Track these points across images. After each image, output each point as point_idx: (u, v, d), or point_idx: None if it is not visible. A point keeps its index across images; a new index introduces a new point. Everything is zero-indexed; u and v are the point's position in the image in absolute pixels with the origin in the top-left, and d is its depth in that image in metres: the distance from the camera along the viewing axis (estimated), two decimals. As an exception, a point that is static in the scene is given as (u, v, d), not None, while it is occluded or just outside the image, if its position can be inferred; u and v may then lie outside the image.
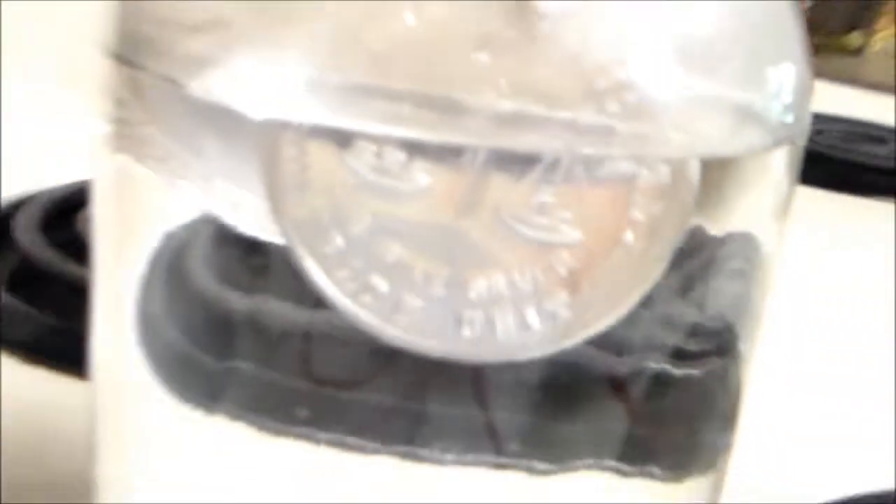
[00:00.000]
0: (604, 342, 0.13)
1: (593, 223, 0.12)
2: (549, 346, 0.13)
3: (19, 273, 0.34)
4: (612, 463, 0.14)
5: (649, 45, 0.13)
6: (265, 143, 0.12)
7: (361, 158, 0.12)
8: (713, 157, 0.13)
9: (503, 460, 0.14)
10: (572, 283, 0.12)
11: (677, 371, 0.14)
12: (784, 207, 0.15)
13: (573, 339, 0.13)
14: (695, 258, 0.13)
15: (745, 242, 0.14)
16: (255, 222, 0.14)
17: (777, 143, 0.14)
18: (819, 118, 0.69)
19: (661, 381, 0.14)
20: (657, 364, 0.14)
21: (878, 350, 0.39)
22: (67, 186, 0.38)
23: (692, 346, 0.14)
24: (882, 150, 0.65)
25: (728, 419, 0.16)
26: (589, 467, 0.14)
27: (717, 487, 0.16)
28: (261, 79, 0.13)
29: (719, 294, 0.14)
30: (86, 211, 0.35)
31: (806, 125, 0.14)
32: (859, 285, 0.46)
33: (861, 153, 0.63)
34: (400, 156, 0.12)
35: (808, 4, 0.91)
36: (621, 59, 0.12)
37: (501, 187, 0.12)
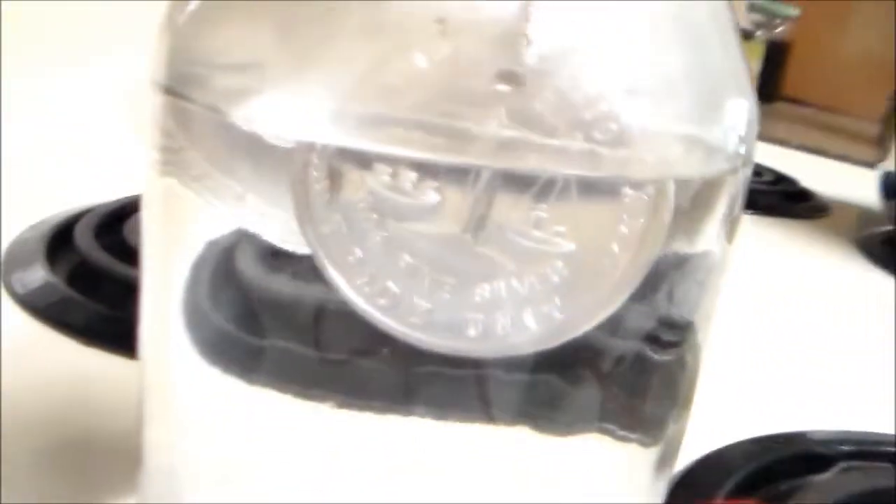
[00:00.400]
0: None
1: (584, 236, 0.11)
2: (542, 344, 0.12)
3: (78, 271, 0.33)
4: (604, 426, 0.13)
5: (628, 83, 0.12)
6: (294, 166, 0.11)
7: (378, 179, 0.11)
8: (686, 178, 0.12)
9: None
10: (564, 288, 0.11)
11: (655, 356, 0.13)
12: (736, 224, 0.14)
13: (564, 338, 0.12)
14: (667, 270, 0.12)
15: (705, 258, 0.13)
16: (282, 234, 0.12)
17: (734, 170, 0.13)
18: None
19: (641, 363, 0.13)
20: (638, 348, 0.13)
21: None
22: (116, 201, 0.38)
23: (666, 336, 0.13)
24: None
25: (690, 394, 0.15)
26: (582, 430, 0.13)
27: (676, 451, 0.15)
28: (290, 110, 0.12)
29: (685, 298, 0.13)
30: (132, 221, 0.36)
31: (753, 153, 0.13)
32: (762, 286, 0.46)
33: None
34: (412, 176, 0.11)
35: None
36: (604, 94, 0.11)
37: (502, 205, 0.11)
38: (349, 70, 0.12)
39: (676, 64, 0.12)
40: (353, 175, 0.11)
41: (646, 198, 0.11)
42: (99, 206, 0.38)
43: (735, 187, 0.13)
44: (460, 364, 0.12)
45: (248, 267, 0.13)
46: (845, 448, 0.27)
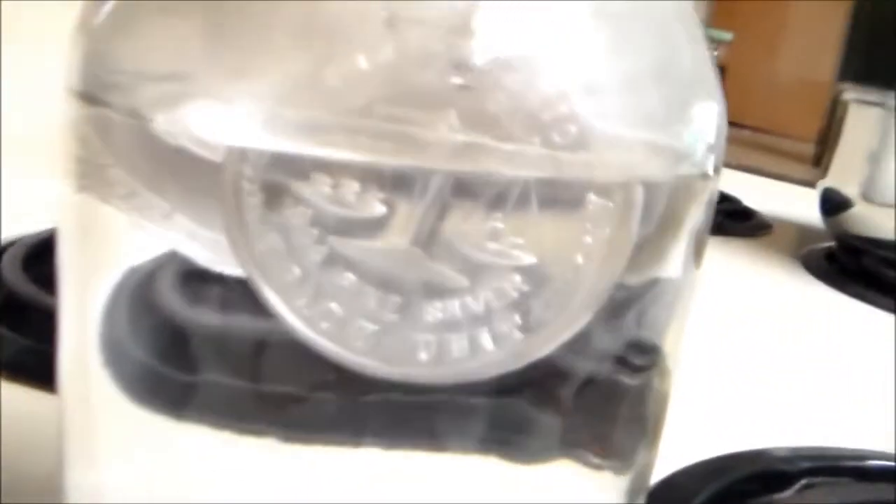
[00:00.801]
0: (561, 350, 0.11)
1: (544, 248, 0.10)
2: (501, 367, 0.10)
3: (4, 304, 0.32)
4: (573, 453, 0.12)
5: (588, 83, 0.11)
6: (225, 177, 0.10)
7: (318, 190, 0.10)
8: (653, 182, 0.11)
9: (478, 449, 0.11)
10: (524, 306, 0.10)
11: (624, 380, 0.12)
12: (703, 245, 0.13)
13: (525, 361, 0.10)
14: (636, 292, 0.11)
15: (673, 280, 0.12)
16: (212, 255, 0.11)
17: (703, 176, 0.12)
18: None
19: (610, 387, 0.12)
20: (607, 372, 0.12)
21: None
22: (45, 231, 0.36)
23: (635, 360, 0.12)
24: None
25: (661, 420, 0.14)
26: (550, 458, 0.12)
27: (647, 478, 0.14)
28: (220, 115, 0.10)
29: (654, 321, 0.12)
30: None
31: (721, 160, 0.12)
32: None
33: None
34: (355, 186, 0.10)
35: None
36: (563, 94, 0.10)
37: (454, 215, 0.10)
38: (285, 74, 0.11)
39: (640, 64, 0.11)
40: (289, 187, 0.10)
41: (611, 205, 0.10)
42: (25, 237, 0.36)
43: (703, 198, 0.13)
44: (414, 390, 0.11)
45: (173, 295, 0.12)
46: (806, 464, 0.26)
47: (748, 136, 1.13)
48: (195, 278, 0.12)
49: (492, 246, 0.10)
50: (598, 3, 0.11)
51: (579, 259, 0.10)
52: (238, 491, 0.12)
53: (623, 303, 0.11)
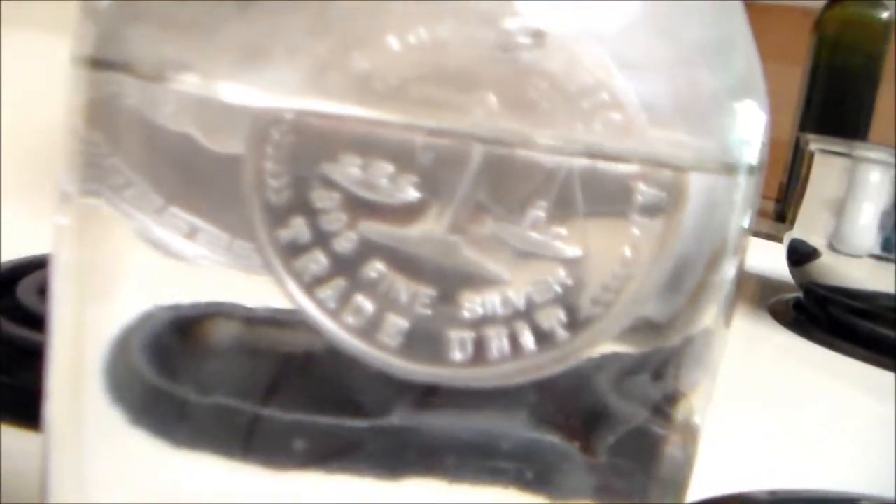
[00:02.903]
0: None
1: (590, 239, 0.09)
2: (542, 370, 0.10)
3: None
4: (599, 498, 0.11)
5: (633, 69, 0.10)
6: (246, 159, 0.09)
7: (347, 172, 0.09)
8: (704, 169, 0.10)
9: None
10: (568, 301, 0.09)
11: (661, 430, 0.11)
12: (733, 300, 0.12)
13: (567, 363, 0.10)
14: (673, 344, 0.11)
15: (705, 335, 0.12)
16: (211, 252, 0.10)
17: (749, 175, 0.11)
18: None
19: (645, 436, 0.11)
20: (643, 419, 0.11)
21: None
22: (7, 262, 0.35)
23: (668, 410, 0.11)
24: None
25: (688, 476, 0.13)
26: (574, 498, 0.11)
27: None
28: (244, 88, 0.09)
29: (687, 375, 0.12)
30: (25, 282, 0.33)
31: (765, 156, 0.12)
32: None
33: None
34: (388, 169, 0.09)
35: None
36: (603, 81, 0.10)
37: (494, 202, 0.09)
38: (312, 57, 0.10)
39: (688, 53, 0.11)
40: (317, 168, 0.09)
41: (663, 194, 0.10)
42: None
43: (748, 188, 0.12)
44: (437, 423, 0.10)
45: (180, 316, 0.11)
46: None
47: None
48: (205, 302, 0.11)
49: (534, 236, 0.09)
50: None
51: (627, 252, 0.10)
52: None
53: (664, 355, 0.10)
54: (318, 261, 0.09)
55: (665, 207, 0.10)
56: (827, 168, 0.54)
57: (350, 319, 0.09)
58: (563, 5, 0.10)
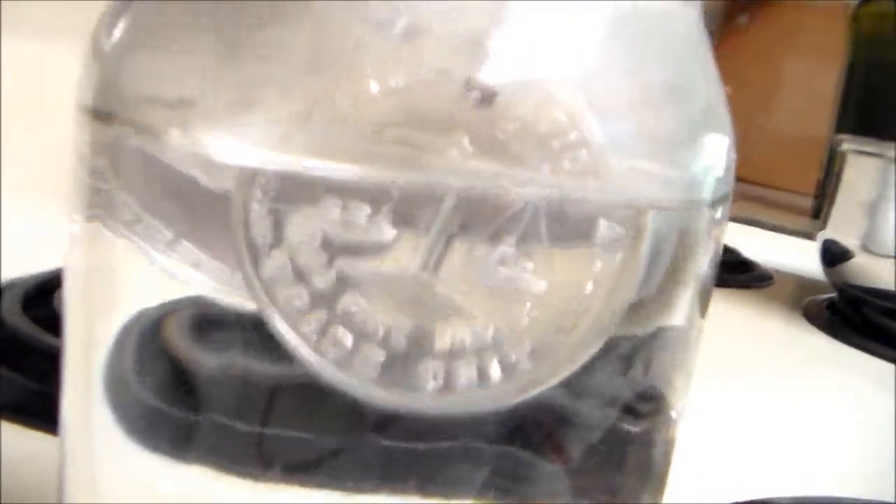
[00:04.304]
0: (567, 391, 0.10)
1: (554, 273, 0.10)
2: (509, 398, 0.10)
3: (5, 345, 0.31)
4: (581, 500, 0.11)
5: (600, 108, 0.10)
6: (235, 200, 0.10)
7: (327, 214, 0.10)
8: (662, 209, 0.11)
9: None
10: (534, 333, 0.10)
11: (630, 428, 0.12)
12: (709, 293, 0.13)
13: (531, 391, 0.10)
14: (643, 339, 0.11)
15: (680, 328, 0.12)
16: (216, 283, 0.11)
17: (712, 209, 0.12)
18: None
19: (615, 436, 0.12)
20: (613, 420, 0.11)
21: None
22: (44, 273, 0.36)
23: (640, 408, 0.12)
24: None
25: (665, 470, 0.13)
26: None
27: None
28: (231, 139, 0.10)
29: (660, 369, 0.12)
30: (62, 292, 0.34)
31: (729, 202, 0.12)
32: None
33: None
34: (365, 209, 0.10)
35: None
36: (574, 120, 0.10)
37: (465, 239, 0.10)
38: (295, 99, 0.10)
39: (653, 90, 0.11)
40: (298, 211, 0.10)
41: (622, 230, 0.10)
42: (26, 278, 0.36)
43: (710, 243, 0.12)
44: (417, 436, 0.11)
45: (181, 336, 0.12)
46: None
47: (745, 190, 1.14)
48: (205, 323, 0.11)
49: (502, 271, 0.10)
50: (612, 27, 0.11)
51: (589, 286, 0.10)
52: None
53: (630, 351, 0.11)
54: (299, 295, 0.10)
55: (625, 242, 0.10)
56: (859, 169, 0.53)
57: (331, 352, 0.10)
58: (534, 49, 0.11)
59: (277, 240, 0.10)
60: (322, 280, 0.10)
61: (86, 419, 0.13)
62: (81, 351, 0.13)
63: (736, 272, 0.65)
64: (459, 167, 0.10)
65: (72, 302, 0.13)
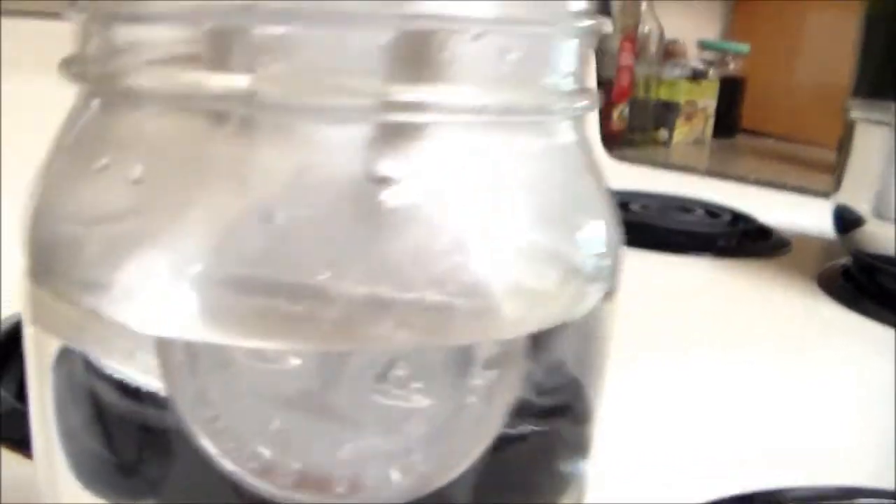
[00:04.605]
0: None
1: (440, 391, 0.11)
2: (411, 495, 0.12)
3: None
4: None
5: (481, 233, 0.12)
6: (160, 343, 0.11)
7: (243, 359, 0.11)
8: (540, 327, 0.12)
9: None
10: (425, 442, 0.11)
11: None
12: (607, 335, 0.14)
13: (431, 488, 0.12)
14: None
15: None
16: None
17: (597, 291, 0.13)
18: (643, 195, 0.73)
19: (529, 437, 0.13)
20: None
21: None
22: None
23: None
24: (688, 218, 0.69)
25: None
26: None
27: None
28: (146, 293, 0.11)
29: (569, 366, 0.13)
30: None
31: (619, 270, 0.13)
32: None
33: (675, 221, 0.67)
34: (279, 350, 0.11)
35: (626, 109, 0.96)
36: (458, 245, 0.11)
37: (363, 364, 0.11)
38: (203, 238, 0.12)
39: (532, 209, 0.12)
40: (217, 348, 0.12)
41: (498, 349, 0.11)
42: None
43: (603, 309, 0.14)
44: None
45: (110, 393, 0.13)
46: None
47: (770, 145, 1.13)
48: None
49: (396, 392, 0.11)
50: (492, 151, 0.12)
51: (472, 399, 0.12)
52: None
53: (535, 351, 0.12)
54: (219, 420, 0.12)
55: (501, 360, 0.12)
56: (869, 136, 0.53)
57: (253, 465, 0.12)
58: (421, 176, 0.12)
59: (197, 371, 0.12)
60: (241, 404, 0.12)
61: (50, 469, 0.14)
62: (36, 400, 0.14)
63: (754, 240, 0.65)
64: (355, 294, 0.11)
65: (28, 350, 0.14)
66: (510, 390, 0.12)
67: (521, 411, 0.12)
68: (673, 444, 0.32)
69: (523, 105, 0.12)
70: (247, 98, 0.11)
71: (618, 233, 0.14)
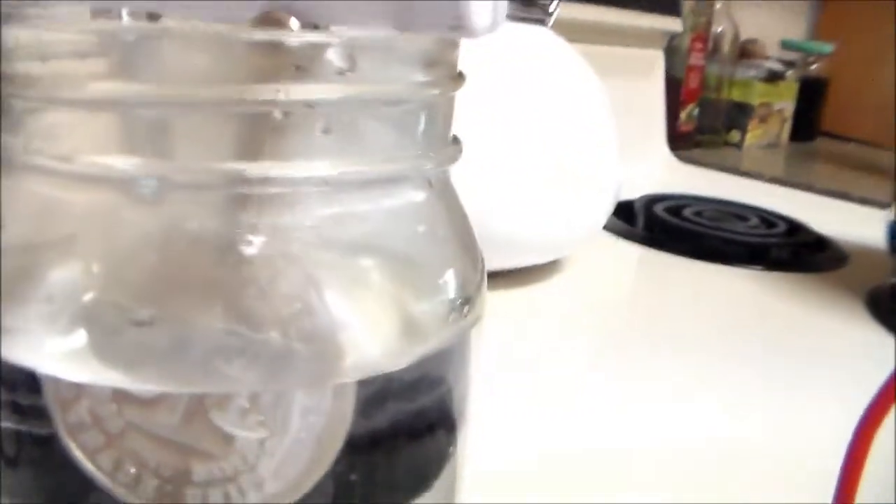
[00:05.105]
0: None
1: (280, 423, 0.13)
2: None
3: None
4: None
5: (326, 283, 0.13)
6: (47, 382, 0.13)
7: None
8: (374, 372, 0.13)
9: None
10: (264, 468, 0.13)
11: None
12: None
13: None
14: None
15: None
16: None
17: (439, 333, 0.14)
18: (699, 200, 0.71)
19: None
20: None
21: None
22: None
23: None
24: (742, 227, 0.67)
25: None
26: None
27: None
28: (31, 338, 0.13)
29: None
30: None
31: (483, 305, 0.15)
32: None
33: (727, 229, 0.65)
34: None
35: (695, 109, 0.94)
36: (300, 292, 0.13)
37: (214, 397, 0.13)
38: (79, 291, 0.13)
39: (376, 261, 0.14)
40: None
41: (328, 394, 0.13)
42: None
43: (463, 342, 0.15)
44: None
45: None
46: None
47: (851, 150, 1.09)
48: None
49: (241, 421, 0.13)
50: (344, 203, 0.14)
51: (303, 434, 0.13)
52: None
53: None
54: (98, 440, 0.13)
55: (329, 403, 0.13)
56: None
57: (122, 478, 0.13)
58: (275, 231, 0.13)
59: (79, 400, 0.13)
60: (114, 427, 0.13)
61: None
62: None
63: (808, 253, 0.63)
64: (215, 329, 0.13)
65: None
66: (340, 428, 0.13)
67: (362, 437, 0.14)
68: (703, 456, 0.32)
69: (368, 174, 0.13)
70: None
71: (475, 274, 0.15)
